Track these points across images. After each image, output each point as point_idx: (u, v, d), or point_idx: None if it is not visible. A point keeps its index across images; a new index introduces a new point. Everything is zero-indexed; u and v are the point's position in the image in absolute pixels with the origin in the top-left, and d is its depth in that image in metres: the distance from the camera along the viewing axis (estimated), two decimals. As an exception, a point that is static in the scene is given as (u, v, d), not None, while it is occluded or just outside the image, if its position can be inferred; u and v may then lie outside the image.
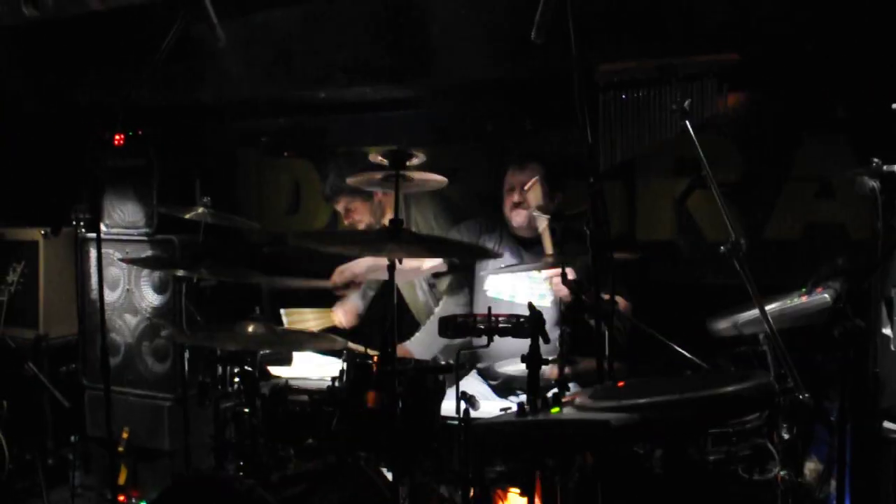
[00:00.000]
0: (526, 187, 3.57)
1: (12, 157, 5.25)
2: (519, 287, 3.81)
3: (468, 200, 4.48)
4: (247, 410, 3.10)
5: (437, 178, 2.96)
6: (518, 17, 2.90)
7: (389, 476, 2.92)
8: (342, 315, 4.19)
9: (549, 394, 2.46)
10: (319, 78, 4.44)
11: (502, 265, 3.68)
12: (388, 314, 2.80)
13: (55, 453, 4.61)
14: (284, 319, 4.03)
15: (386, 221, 4.05)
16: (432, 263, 3.97)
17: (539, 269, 3.54)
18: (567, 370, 2.76)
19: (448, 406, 2.82)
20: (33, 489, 4.34)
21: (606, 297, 2.45)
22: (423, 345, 4.02)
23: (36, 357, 4.54)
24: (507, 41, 3.76)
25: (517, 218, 3.80)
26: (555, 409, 2.18)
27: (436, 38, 4.03)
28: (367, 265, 3.94)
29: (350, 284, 4.03)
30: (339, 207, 4.20)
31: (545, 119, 4.43)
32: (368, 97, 4.68)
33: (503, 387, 3.78)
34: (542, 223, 3.33)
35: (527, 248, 3.83)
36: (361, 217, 4.15)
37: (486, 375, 3.85)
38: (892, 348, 3.06)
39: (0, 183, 5.23)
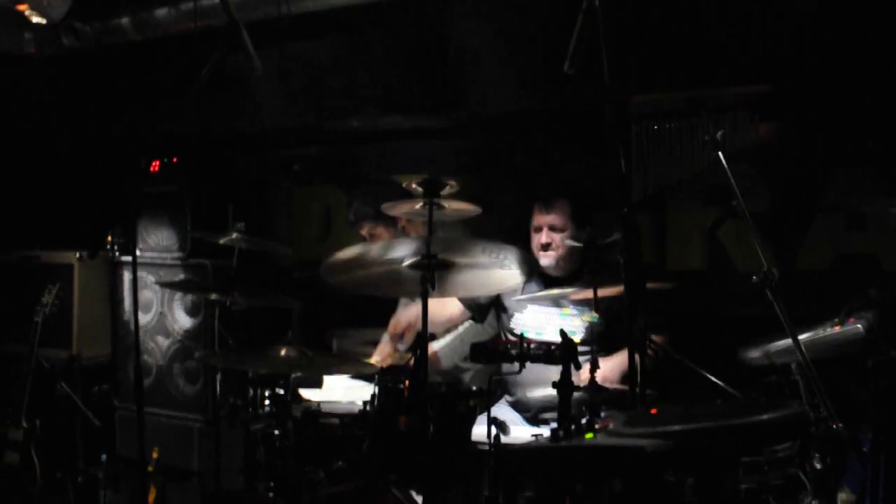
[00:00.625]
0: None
1: (50, 182, 5.36)
2: (546, 324, 3.76)
3: (496, 232, 4.50)
4: (277, 432, 3.13)
5: (471, 207, 3.00)
6: (550, 49, 2.95)
7: (419, 500, 2.93)
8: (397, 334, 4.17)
9: (583, 420, 2.47)
10: (352, 108, 4.51)
11: (528, 294, 3.68)
12: (419, 335, 2.83)
13: (85, 472, 4.64)
14: (335, 344, 4.06)
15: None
16: (461, 310, 3.96)
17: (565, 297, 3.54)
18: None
19: (479, 431, 2.84)
20: (64, 507, 4.39)
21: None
22: (451, 349, 4.01)
23: (68, 377, 4.61)
24: (538, 73, 3.80)
25: (545, 260, 3.76)
26: (589, 435, 2.19)
27: (468, 70, 4.09)
28: (417, 312, 3.97)
29: (405, 334, 4.01)
30: (364, 233, 4.24)
31: (576, 150, 4.45)
32: (399, 127, 4.74)
33: (534, 418, 3.76)
34: None
35: (555, 287, 3.74)
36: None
37: (517, 407, 3.84)
38: (925, 380, 3.04)
39: (38, 207, 5.35)
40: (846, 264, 3.96)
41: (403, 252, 3.01)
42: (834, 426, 2.66)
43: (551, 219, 3.75)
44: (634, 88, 3.00)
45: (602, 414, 2.74)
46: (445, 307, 3.95)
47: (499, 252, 3.04)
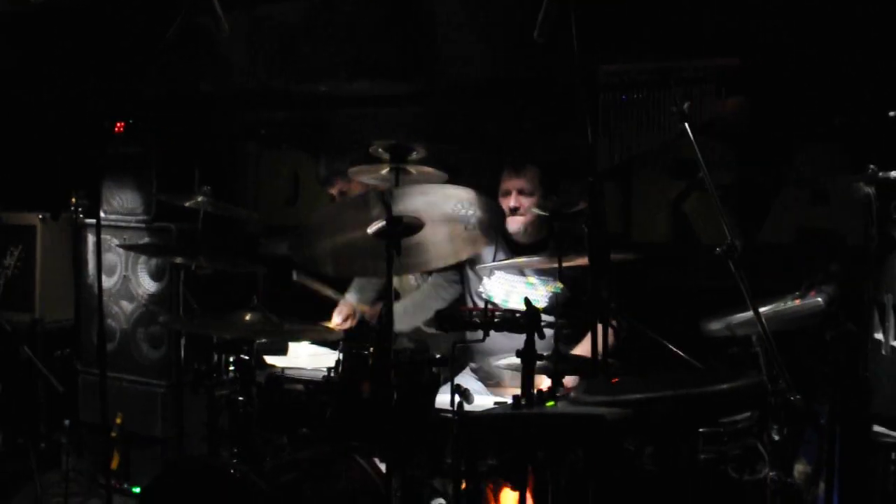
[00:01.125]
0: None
1: (12, 143, 5.26)
2: (512, 291, 3.78)
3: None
4: (241, 398, 3.11)
5: (438, 174, 2.98)
6: (520, 18, 2.93)
7: (383, 467, 2.94)
8: (341, 320, 4.15)
9: (544, 387, 2.48)
10: (321, 72, 4.46)
11: (494, 262, 3.69)
12: (384, 306, 2.82)
13: (48, 437, 4.63)
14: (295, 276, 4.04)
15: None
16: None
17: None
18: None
19: (442, 399, 2.85)
20: (25, 472, 4.34)
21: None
22: (407, 314, 3.99)
23: (31, 341, 4.56)
24: (508, 41, 3.79)
25: (513, 225, 3.77)
26: (550, 403, 2.21)
27: (439, 36, 4.06)
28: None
29: (349, 318, 4.01)
30: (334, 191, 4.18)
31: (545, 119, 4.44)
32: (369, 92, 4.70)
33: (497, 385, 3.79)
34: None
35: (522, 255, 3.76)
36: None
37: (481, 375, 3.86)
38: (884, 353, 3.09)
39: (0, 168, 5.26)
40: (809, 238, 4.01)
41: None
42: (791, 398, 2.70)
43: (521, 183, 3.75)
44: (603, 58, 2.99)
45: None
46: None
47: (466, 207, 2.98)
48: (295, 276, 4.06)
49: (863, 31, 3.34)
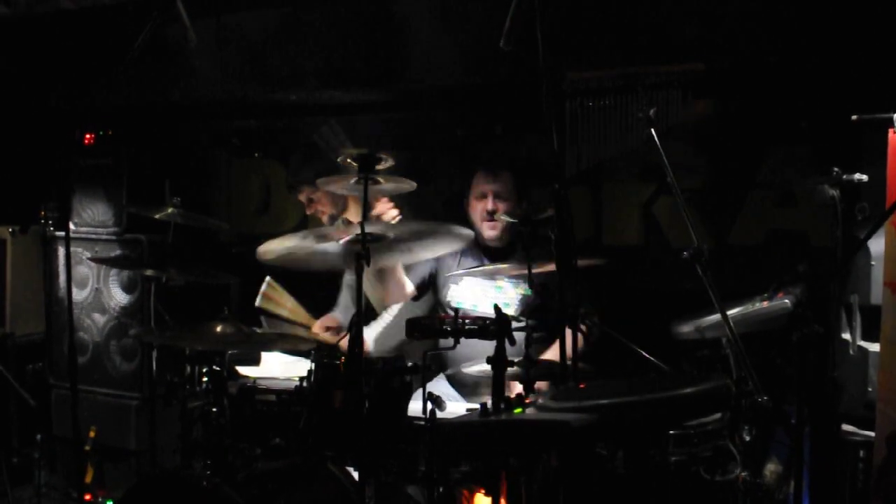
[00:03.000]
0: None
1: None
2: (482, 296, 3.78)
3: (435, 201, 4.51)
4: (214, 410, 3.10)
5: (406, 183, 2.99)
6: (489, 25, 2.94)
7: (356, 475, 2.94)
8: (323, 331, 4.11)
9: (513, 394, 2.49)
10: (291, 80, 4.46)
11: (463, 269, 3.69)
12: (355, 314, 2.82)
13: (20, 452, 4.58)
14: (265, 286, 4.03)
15: (349, 214, 4.09)
16: (411, 288, 3.94)
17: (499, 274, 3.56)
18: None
19: (415, 407, 2.85)
20: (-3, 488, 4.31)
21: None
22: (384, 339, 3.99)
23: (2, 355, 4.52)
24: (477, 49, 3.80)
25: (490, 231, 3.76)
26: (517, 410, 2.22)
27: (408, 44, 4.07)
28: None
29: (330, 331, 4.02)
30: (302, 198, 4.16)
31: (515, 125, 4.47)
32: (340, 100, 4.71)
33: (472, 392, 3.79)
34: None
35: (492, 259, 3.77)
36: (324, 208, 4.13)
37: (455, 381, 3.86)
38: (851, 353, 3.13)
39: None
40: (778, 240, 4.05)
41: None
42: (760, 399, 2.72)
43: (497, 187, 3.75)
44: (569, 65, 3.02)
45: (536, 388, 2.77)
46: (403, 288, 3.92)
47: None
48: (258, 303, 4.04)
49: (828, 36, 3.38)
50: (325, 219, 4.14)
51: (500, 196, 3.75)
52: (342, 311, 4.21)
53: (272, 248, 3.07)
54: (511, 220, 3.35)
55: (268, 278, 4.04)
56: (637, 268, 4.26)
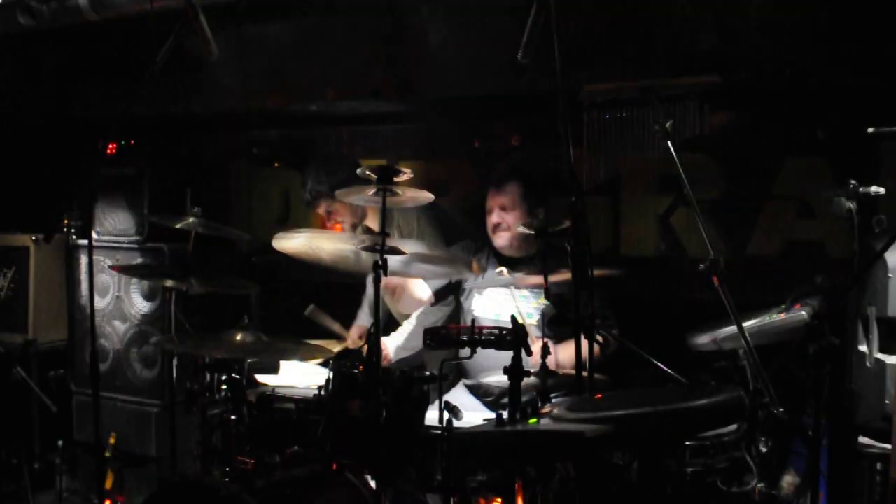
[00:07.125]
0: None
1: (5, 164, 5.29)
2: (504, 307, 3.80)
3: (454, 211, 4.54)
4: (233, 417, 3.13)
5: (424, 195, 3.01)
6: (507, 37, 2.97)
7: (373, 484, 2.96)
8: (359, 336, 4.21)
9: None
10: (311, 91, 4.50)
11: (482, 279, 3.72)
12: (373, 324, 2.84)
13: (42, 458, 4.63)
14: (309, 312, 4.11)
15: (369, 222, 4.13)
16: (430, 296, 3.99)
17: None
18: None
19: (432, 416, 2.87)
20: (19, 493, 4.36)
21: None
22: (405, 348, 4.04)
23: (24, 362, 4.56)
24: (495, 61, 3.82)
25: (499, 240, 3.84)
26: (532, 420, 2.23)
27: (426, 56, 4.10)
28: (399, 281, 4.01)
29: (363, 337, 4.13)
30: (321, 211, 4.21)
31: (532, 136, 4.49)
32: (359, 111, 4.75)
33: (496, 402, 3.80)
34: None
35: (511, 268, 3.79)
36: (343, 218, 4.17)
37: (478, 391, 3.87)
38: (868, 365, 3.12)
39: (-7, 189, 5.28)
40: (795, 251, 4.05)
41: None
42: (775, 411, 2.72)
43: (502, 199, 3.81)
44: (586, 77, 3.04)
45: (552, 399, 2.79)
46: (416, 289, 3.97)
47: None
48: (307, 312, 4.11)
49: (844, 48, 3.38)
50: (345, 227, 4.18)
51: (505, 208, 3.81)
52: (366, 321, 4.26)
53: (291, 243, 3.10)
54: (528, 232, 3.38)
55: (311, 306, 4.13)
56: (654, 278, 4.26)
